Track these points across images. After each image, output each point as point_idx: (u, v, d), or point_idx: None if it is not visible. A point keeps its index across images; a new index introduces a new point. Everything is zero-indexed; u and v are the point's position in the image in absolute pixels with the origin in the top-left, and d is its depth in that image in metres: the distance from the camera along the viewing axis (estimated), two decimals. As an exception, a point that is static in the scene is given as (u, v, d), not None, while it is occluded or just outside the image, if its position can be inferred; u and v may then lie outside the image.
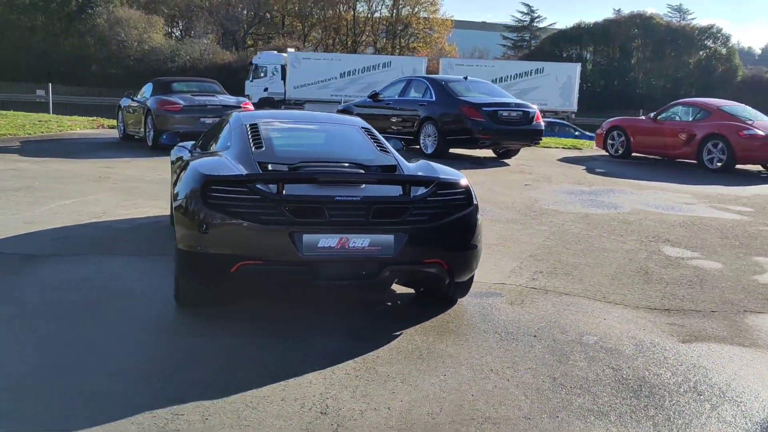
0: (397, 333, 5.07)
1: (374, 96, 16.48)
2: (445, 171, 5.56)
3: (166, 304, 5.42)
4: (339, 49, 69.80)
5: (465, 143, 14.55)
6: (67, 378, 4.13)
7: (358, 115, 16.27)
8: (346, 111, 17.12)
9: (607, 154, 17.03)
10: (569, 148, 18.93)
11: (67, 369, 4.25)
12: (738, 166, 14.82)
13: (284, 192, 4.85)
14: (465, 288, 5.61)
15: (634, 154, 16.55)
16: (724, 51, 50.14)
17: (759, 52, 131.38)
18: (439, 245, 5.10)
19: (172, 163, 7.49)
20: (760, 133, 14.32)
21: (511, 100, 15.07)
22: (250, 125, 6.07)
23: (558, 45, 52.30)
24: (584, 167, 14.87)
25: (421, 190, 5.09)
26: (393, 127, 15.51)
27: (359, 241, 4.86)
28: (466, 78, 15.83)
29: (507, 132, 14.41)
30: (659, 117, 16.12)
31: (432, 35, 69.05)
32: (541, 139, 15.14)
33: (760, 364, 4.80)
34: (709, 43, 50.73)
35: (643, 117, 16.84)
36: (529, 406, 4.04)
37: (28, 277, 5.99)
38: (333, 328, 5.12)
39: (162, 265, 6.41)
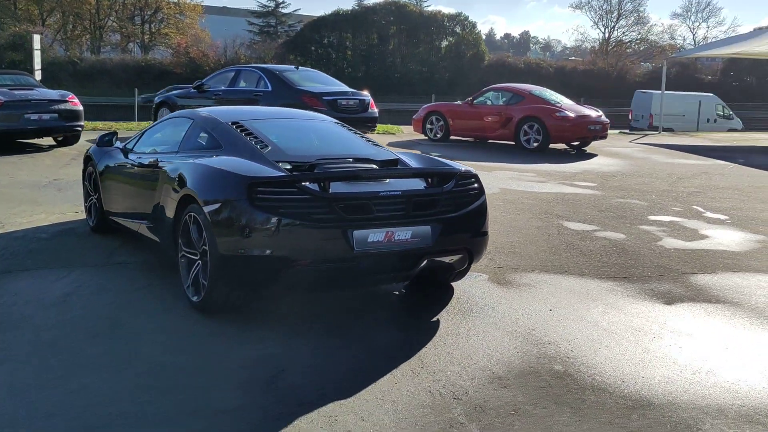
0: (434, 319, 5.33)
1: (199, 87, 16.10)
2: (448, 162, 5.87)
3: (189, 313, 5.24)
4: (81, 35, 65.79)
5: (307, 133, 14.67)
6: (181, 397, 3.99)
7: (183, 106, 15.90)
8: (165, 102, 16.59)
9: (426, 138, 17.92)
10: (383, 134, 19.64)
11: (170, 388, 4.09)
12: (550, 146, 16.28)
13: (330, 190, 4.92)
14: (464, 273, 5.95)
15: (452, 137, 17.59)
16: (471, 37, 53.71)
17: (483, 38, 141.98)
18: (464, 233, 5.41)
19: (107, 167, 7.06)
20: (571, 114, 15.89)
21: (347, 89, 15.44)
22: (233, 123, 5.98)
23: (318, 31, 53.13)
24: (419, 151, 15.58)
25: (447, 182, 5.35)
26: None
27: (403, 234, 5.05)
28: (297, 67, 15.96)
29: (346, 120, 14.57)
30: (475, 102, 17.26)
31: (184, 21, 67.25)
32: (376, 126, 15.65)
33: (743, 318, 5.61)
34: (458, 29, 54.05)
35: (459, 102, 17.91)
36: (617, 372, 4.49)
37: (3, 297, 5.48)
38: (370, 321, 5.28)
39: (132, 275, 6.13)
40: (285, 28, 66.83)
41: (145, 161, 6.39)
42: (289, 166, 5.35)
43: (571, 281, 6.36)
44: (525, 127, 15.99)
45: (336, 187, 4.98)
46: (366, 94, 15.38)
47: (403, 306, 5.74)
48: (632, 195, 10.96)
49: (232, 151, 5.62)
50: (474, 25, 54.17)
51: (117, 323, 5.06)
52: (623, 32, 66.29)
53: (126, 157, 6.92)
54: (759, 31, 24.39)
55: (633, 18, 65.31)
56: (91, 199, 7.53)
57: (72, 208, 8.65)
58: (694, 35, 74.39)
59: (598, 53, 61.82)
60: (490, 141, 17.33)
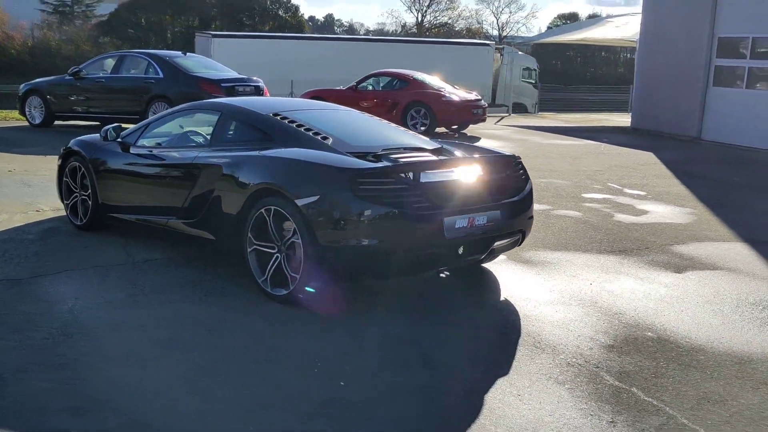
0: (502, 299, 5.69)
1: (76, 74, 15.30)
2: (492, 148, 6.21)
3: (274, 304, 5.26)
4: None
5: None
6: (366, 379, 4.13)
7: (57, 95, 15.13)
8: (35, 89, 15.63)
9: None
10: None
11: (342, 373, 4.21)
12: (436, 129, 16.93)
13: (421, 179, 5.13)
14: (497, 255, 6.32)
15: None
16: (294, 21, 53.73)
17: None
18: (521, 215, 5.78)
19: (107, 163, 6.77)
20: (456, 98, 16.59)
21: (239, 75, 15.30)
22: (275, 115, 6.00)
23: (135, 12, 51.08)
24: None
25: (508, 168, 5.70)
26: (110, 106, 14.78)
27: (481, 219, 5.36)
28: (185, 53, 15.55)
29: (245, 107, 14.59)
30: (359, 87, 17.57)
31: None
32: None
33: (750, 281, 6.37)
34: (281, 13, 53.91)
35: (342, 87, 18.13)
36: (698, 334, 5.05)
37: (68, 302, 5.23)
38: (445, 303, 5.58)
39: (173, 272, 6.02)
40: (82, 8, 63.53)
41: (169, 156, 6.25)
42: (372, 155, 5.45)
43: (582, 257, 6.90)
44: (412, 111, 16.52)
45: (425, 177, 5.18)
46: (258, 80, 15.29)
47: (461, 288, 6.01)
48: (550, 175, 11.74)
49: (290, 143, 5.64)
50: (297, 9, 54.28)
51: (216, 318, 5.01)
52: (435, 17, 68.86)
53: (128, 151, 6.68)
54: (597, 19, 26.38)
55: (444, 2, 67.96)
56: (76, 196, 7.16)
57: (28, 207, 8.16)
58: (497, 19, 78.43)
59: (417, 37, 63.75)
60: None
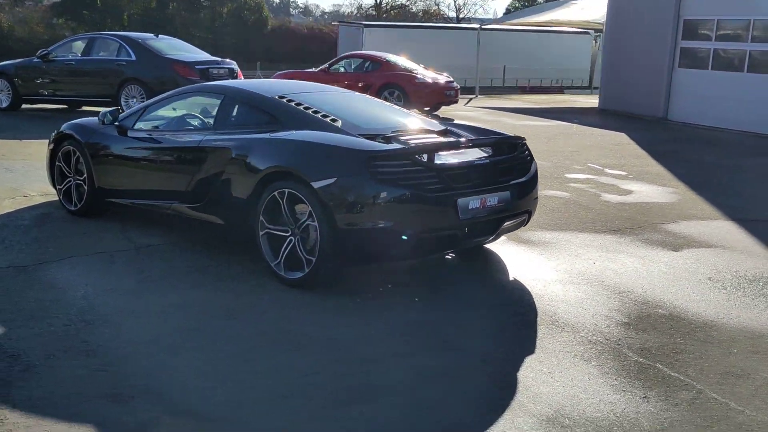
0: (512, 279, 5.75)
1: (44, 56, 14.97)
2: (495, 129, 6.25)
3: (287, 289, 5.25)
4: None
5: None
6: (401, 364, 4.14)
7: (25, 78, 14.82)
8: (1, 72, 15.28)
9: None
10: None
11: (367, 361, 4.24)
12: (409, 111, 16.93)
13: (435, 161, 5.15)
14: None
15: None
16: (252, 2, 53.11)
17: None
18: (528, 196, 5.84)
19: (105, 147, 6.65)
20: (429, 80, 16.60)
21: (212, 57, 15.16)
22: (281, 98, 5.97)
23: (89, -6, 50.03)
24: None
25: (515, 150, 5.75)
26: (80, 90, 14.55)
27: (492, 200, 5.40)
28: (157, 35, 15.31)
29: (219, 90, 14.44)
30: (331, 69, 17.48)
31: None
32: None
33: (746, 258, 6.52)
34: (239, -6, 53.27)
35: (314, 69, 18.02)
36: (707, 311, 5.17)
37: (80, 289, 5.16)
38: (454, 283, 5.60)
39: (178, 257, 5.98)
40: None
41: (172, 139, 6.19)
42: (382, 137, 5.46)
43: (579, 237, 6.99)
44: (385, 93, 16.50)
45: (439, 158, 5.20)
46: (231, 62, 15.15)
47: (466, 269, 6.06)
48: (529, 156, 11.80)
49: (299, 126, 5.61)
50: (255, -10, 53.57)
51: (228, 304, 4.99)
52: (392, -1, 68.58)
53: (126, 135, 6.59)
54: (561, 2, 26.55)
55: (401, -16, 67.68)
56: (70, 181, 7.04)
57: (15, 192, 8.01)
58: (455, 1, 78.53)
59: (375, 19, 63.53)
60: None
